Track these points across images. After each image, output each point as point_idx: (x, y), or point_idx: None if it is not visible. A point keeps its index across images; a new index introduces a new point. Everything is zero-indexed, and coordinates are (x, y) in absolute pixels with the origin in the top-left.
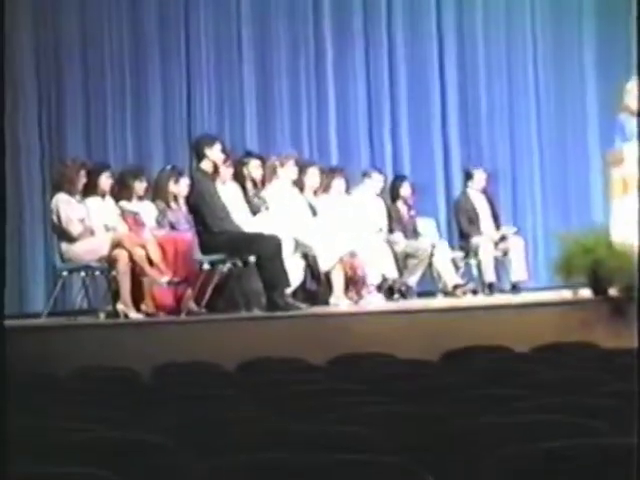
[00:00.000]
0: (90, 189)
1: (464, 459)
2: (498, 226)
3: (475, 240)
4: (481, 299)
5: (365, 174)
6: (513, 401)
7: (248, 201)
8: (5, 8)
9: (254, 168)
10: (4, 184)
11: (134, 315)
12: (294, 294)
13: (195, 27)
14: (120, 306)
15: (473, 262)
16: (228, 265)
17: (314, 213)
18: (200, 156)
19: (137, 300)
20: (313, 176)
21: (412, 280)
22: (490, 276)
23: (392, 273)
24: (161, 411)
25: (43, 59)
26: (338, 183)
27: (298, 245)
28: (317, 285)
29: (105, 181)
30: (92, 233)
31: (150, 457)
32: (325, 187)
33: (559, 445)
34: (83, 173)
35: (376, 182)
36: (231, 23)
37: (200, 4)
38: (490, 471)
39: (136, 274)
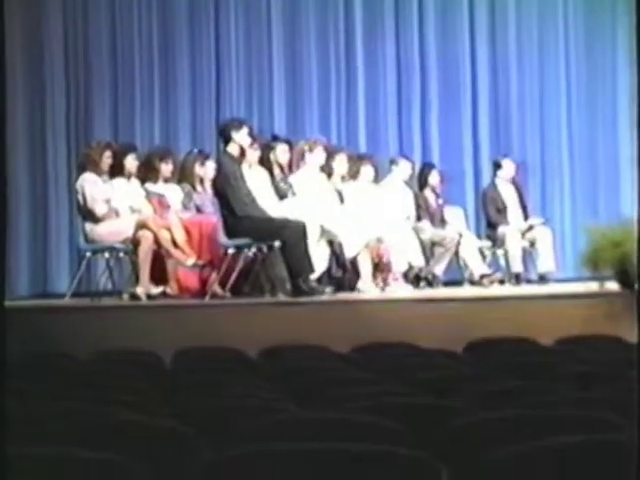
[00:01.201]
0: (116, 170)
1: (482, 452)
2: (526, 216)
3: (502, 230)
4: (508, 289)
5: (392, 161)
6: (535, 394)
7: (275, 186)
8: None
9: (281, 153)
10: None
11: (155, 291)
12: (319, 281)
13: (225, 10)
14: (140, 289)
15: (500, 252)
16: (253, 250)
17: (341, 199)
18: (227, 139)
19: (162, 282)
20: (341, 162)
21: (438, 269)
22: (517, 266)
23: (418, 261)
24: (181, 396)
25: (72, 42)
26: (366, 170)
27: (324, 232)
28: (342, 272)
29: (131, 162)
30: (117, 214)
31: (168, 442)
32: (353, 174)
33: (580, 439)
34: (108, 154)
35: (404, 169)
36: (261, 7)
37: None
38: (508, 464)
39: (161, 256)
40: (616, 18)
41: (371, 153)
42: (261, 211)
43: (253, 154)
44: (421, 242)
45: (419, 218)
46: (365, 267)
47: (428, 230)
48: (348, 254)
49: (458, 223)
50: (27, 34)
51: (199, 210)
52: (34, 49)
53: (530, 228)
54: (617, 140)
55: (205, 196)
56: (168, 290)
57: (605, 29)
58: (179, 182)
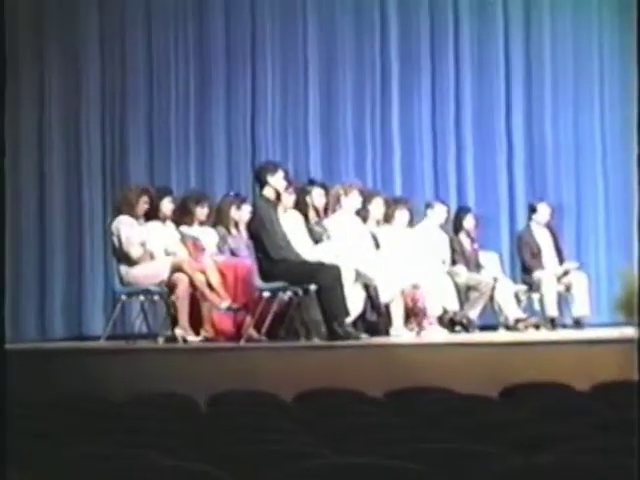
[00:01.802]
0: (151, 213)
1: None
2: (561, 261)
3: (538, 274)
4: (543, 334)
5: (428, 205)
6: (571, 440)
7: (310, 229)
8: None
9: (317, 196)
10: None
11: (193, 339)
12: (354, 325)
13: (261, 55)
14: (178, 331)
15: (535, 296)
16: (288, 293)
17: (377, 243)
18: (262, 183)
19: (196, 325)
20: (377, 206)
21: (473, 313)
22: (552, 311)
23: (453, 305)
24: (216, 441)
25: (109, 84)
26: (401, 214)
27: (359, 275)
28: (377, 316)
29: (167, 206)
30: (152, 257)
31: None
32: (388, 218)
33: None
34: (145, 199)
35: (439, 213)
36: (297, 51)
37: (266, 32)
38: None
39: (196, 299)
40: None
41: (406, 197)
42: (296, 255)
43: (288, 198)
44: (456, 286)
45: (454, 262)
46: (397, 313)
47: (463, 274)
48: (383, 299)
49: (493, 267)
50: (65, 79)
51: (233, 253)
52: (71, 94)
53: (566, 273)
54: None
55: (240, 239)
56: (203, 333)
57: None
58: (214, 225)
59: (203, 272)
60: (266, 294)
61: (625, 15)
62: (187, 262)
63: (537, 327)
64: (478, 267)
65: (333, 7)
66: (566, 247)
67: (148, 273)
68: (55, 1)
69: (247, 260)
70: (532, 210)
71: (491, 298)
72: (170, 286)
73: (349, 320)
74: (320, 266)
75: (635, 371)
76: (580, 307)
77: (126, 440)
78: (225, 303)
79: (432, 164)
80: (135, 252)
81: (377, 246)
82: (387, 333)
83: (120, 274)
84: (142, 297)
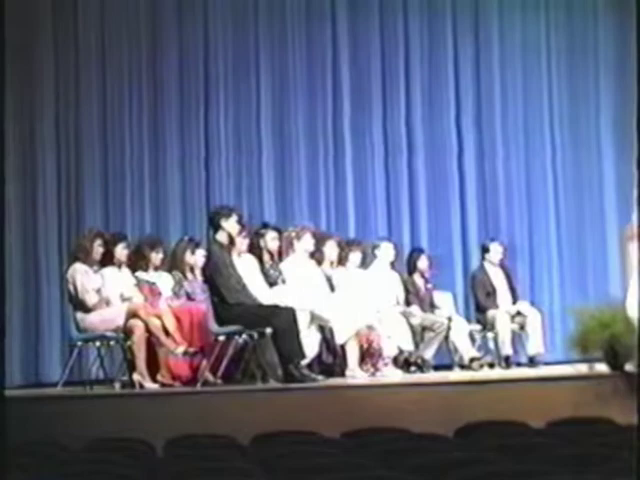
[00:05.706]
0: (107, 259)
1: None
2: (515, 300)
3: (492, 313)
4: (498, 372)
5: (375, 247)
6: (528, 477)
7: (264, 273)
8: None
9: (270, 240)
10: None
11: (150, 385)
12: (310, 366)
13: (214, 99)
14: (136, 376)
15: (490, 335)
16: (244, 337)
17: (331, 285)
18: (216, 227)
19: (153, 370)
20: (331, 248)
21: (428, 353)
22: (507, 349)
23: (408, 346)
24: None
25: (63, 130)
26: (355, 256)
27: (314, 318)
28: (333, 358)
29: (121, 251)
30: (108, 303)
31: None
32: (342, 260)
33: None
34: (99, 242)
35: (387, 252)
36: (250, 95)
37: (220, 77)
38: None
39: (152, 344)
40: (600, 105)
41: (360, 239)
42: (252, 298)
43: (242, 242)
44: (411, 327)
45: (408, 303)
46: (352, 354)
47: (418, 315)
48: (339, 340)
49: (447, 307)
50: (20, 125)
51: (190, 297)
52: (26, 139)
53: (519, 311)
54: (604, 222)
55: (196, 283)
56: (159, 378)
57: (590, 114)
58: (169, 270)
59: (159, 317)
60: (222, 338)
61: (576, 60)
62: (142, 307)
63: (492, 366)
64: (432, 307)
65: (285, 52)
66: (519, 286)
67: (104, 319)
68: (9, 49)
69: (202, 304)
70: (485, 250)
71: (446, 338)
72: (126, 332)
73: (305, 362)
74: (275, 309)
75: (589, 407)
76: (534, 345)
77: None
78: (181, 348)
79: (385, 206)
80: (90, 299)
81: (332, 288)
82: (343, 374)
83: (76, 321)
84: (98, 343)
